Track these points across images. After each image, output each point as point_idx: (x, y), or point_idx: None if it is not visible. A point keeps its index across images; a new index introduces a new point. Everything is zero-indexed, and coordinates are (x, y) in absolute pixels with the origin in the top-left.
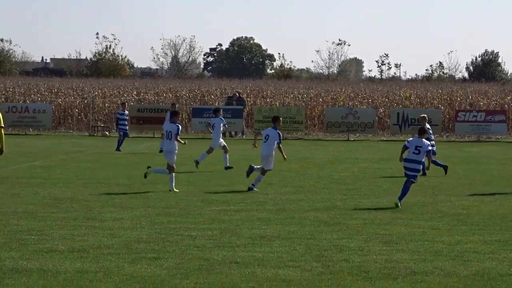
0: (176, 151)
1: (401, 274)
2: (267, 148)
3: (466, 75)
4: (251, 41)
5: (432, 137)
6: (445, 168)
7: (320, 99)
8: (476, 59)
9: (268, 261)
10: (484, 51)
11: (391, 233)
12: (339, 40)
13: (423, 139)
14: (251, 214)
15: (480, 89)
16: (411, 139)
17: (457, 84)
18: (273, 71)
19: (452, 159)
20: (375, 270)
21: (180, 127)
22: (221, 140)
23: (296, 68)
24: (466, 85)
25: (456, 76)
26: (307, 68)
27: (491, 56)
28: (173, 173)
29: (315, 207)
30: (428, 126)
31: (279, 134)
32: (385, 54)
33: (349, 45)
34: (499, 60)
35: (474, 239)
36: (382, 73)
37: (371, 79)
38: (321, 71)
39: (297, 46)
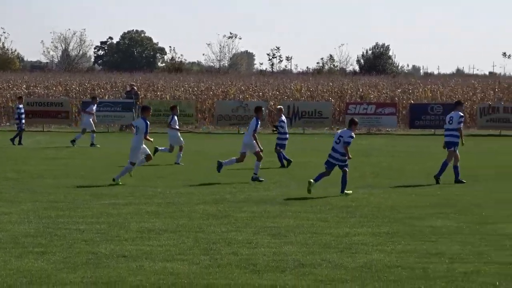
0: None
1: (289, 267)
2: (248, 137)
3: (357, 68)
4: (142, 35)
5: (286, 130)
6: (288, 162)
7: (211, 92)
8: (366, 52)
9: (156, 255)
10: (374, 44)
11: (280, 226)
12: (230, 33)
13: (350, 130)
14: (140, 208)
15: (370, 82)
16: (340, 130)
17: (347, 77)
18: (164, 64)
19: None
20: (263, 263)
21: (148, 123)
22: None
23: (187, 62)
24: (357, 78)
25: (347, 69)
26: (198, 61)
27: (381, 49)
28: (132, 167)
29: (204, 200)
30: (283, 118)
31: (257, 123)
32: (276, 47)
33: (240, 38)
34: (390, 53)
35: (363, 231)
36: (273, 66)
37: (262, 72)
38: (212, 64)
39: (188, 40)
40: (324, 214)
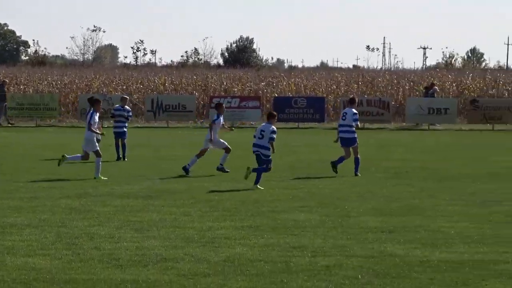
0: (97, 138)
1: (151, 261)
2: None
3: (221, 61)
4: (5, 28)
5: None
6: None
7: (74, 86)
8: (231, 45)
9: (18, 250)
10: (239, 37)
11: (143, 220)
12: (94, 26)
13: (271, 124)
14: (2, 203)
15: (234, 75)
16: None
17: (212, 70)
18: (27, 57)
19: None
20: (125, 257)
21: (93, 116)
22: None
23: (50, 55)
24: (221, 71)
25: (211, 62)
26: (62, 54)
27: (246, 43)
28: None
29: (67, 195)
30: (128, 108)
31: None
32: (140, 40)
33: (104, 32)
34: (254, 47)
35: (226, 225)
36: (138, 60)
37: (126, 66)
38: (76, 57)
39: (52, 33)
40: (187, 208)
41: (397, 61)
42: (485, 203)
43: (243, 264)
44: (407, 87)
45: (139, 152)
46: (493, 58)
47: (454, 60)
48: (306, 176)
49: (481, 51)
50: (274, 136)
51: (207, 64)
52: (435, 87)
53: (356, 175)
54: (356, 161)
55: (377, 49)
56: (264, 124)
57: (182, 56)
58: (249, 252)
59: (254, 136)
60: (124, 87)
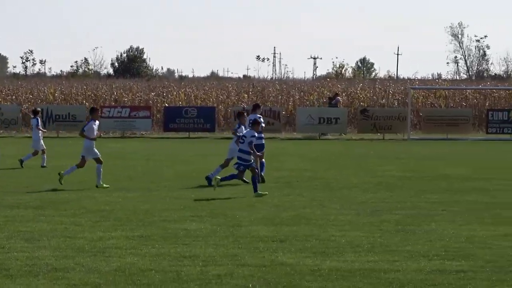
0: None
1: (42, 271)
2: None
3: (111, 71)
4: None
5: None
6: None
7: None
8: (121, 55)
9: None
10: (129, 47)
11: (33, 230)
12: None
13: (253, 130)
14: None
15: (125, 85)
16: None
17: (102, 80)
18: None
19: None
20: (16, 268)
21: (90, 124)
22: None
23: None
24: (111, 81)
25: (101, 72)
26: None
27: (136, 52)
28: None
29: None
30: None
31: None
32: (29, 50)
33: None
34: (144, 56)
35: (117, 235)
36: (27, 70)
37: (15, 76)
38: None
39: None
40: (78, 218)
41: (288, 71)
42: (375, 212)
43: (134, 273)
44: (297, 97)
45: (28, 162)
46: (383, 68)
47: (345, 70)
48: (197, 186)
49: (371, 61)
50: (253, 140)
51: (97, 74)
52: (338, 97)
53: (262, 179)
54: (261, 164)
55: (268, 59)
56: (247, 130)
57: (72, 66)
58: (140, 262)
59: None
60: (14, 97)
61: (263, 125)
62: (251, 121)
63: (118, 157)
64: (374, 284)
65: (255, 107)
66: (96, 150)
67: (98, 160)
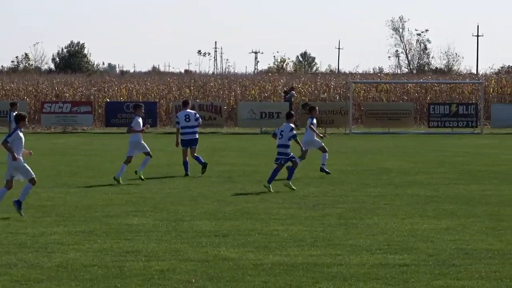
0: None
1: None
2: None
3: (52, 66)
4: None
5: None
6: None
7: None
8: (62, 50)
9: None
10: (70, 42)
11: None
12: None
13: (290, 124)
14: None
15: (66, 80)
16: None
17: (43, 76)
18: None
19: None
20: None
21: (136, 120)
22: None
23: None
24: (52, 76)
25: (42, 67)
26: None
27: (77, 47)
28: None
29: None
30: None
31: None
32: None
33: None
34: (85, 51)
35: (59, 231)
36: None
37: None
38: None
39: None
40: (18, 214)
41: (229, 66)
42: (317, 206)
43: (76, 269)
44: (239, 92)
45: None
46: (324, 62)
47: (286, 65)
48: (138, 181)
49: (312, 55)
50: (294, 133)
51: (38, 69)
52: (293, 91)
53: (187, 174)
54: (197, 158)
55: (209, 53)
56: (284, 124)
57: (12, 61)
58: (82, 257)
59: (276, 136)
60: None
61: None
62: (187, 116)
63: (60, 153)
64: (316, 278)
65: (185, 104)
66: (144, 144)
67: (148, 154)
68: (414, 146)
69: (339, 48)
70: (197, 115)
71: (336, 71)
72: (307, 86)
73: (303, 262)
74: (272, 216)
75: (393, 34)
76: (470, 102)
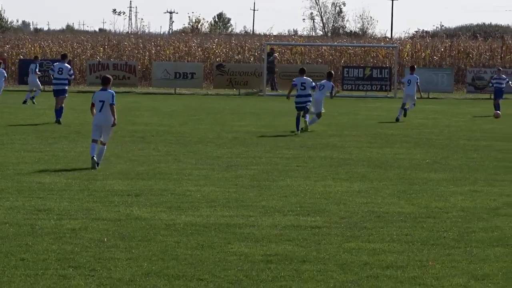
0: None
1: None
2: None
3: None
4: None
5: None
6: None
7: None
8: None
9: None
10: None
11: None
12: None
13: (305, 77)
14: None
15: None
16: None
17: None
18: None
19: None
20: None
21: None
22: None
23: None
24: None
25: None
26: None
27: None
28: None
29: None
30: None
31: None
32: None
33: None
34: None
35: None
36: None
37: None
38: None
39: None
40: None
41: (144, 25)
42: (230, 167)
43: None
44: (153, 51)
45: None
46: (239, 23)
47: (201, 25)
48: (52, 139)
49: (228, 16)
50: (313, 84)
51: None
52: (275, 54)
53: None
54: (60, 110)
55: (124, 12)
56: (299, 77)
57: None
58: None
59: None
60: None
61: None
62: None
63: None
64: (228, 239)
65: (63, 57)
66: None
67: (318, 115)
68: (328, 109)
69: (254, 10)
70: (71, 71)
71: (251, 32)
72: (221, 47)
73: (215, 223)
74: (185, 177)
75: None
76: (384, 66)
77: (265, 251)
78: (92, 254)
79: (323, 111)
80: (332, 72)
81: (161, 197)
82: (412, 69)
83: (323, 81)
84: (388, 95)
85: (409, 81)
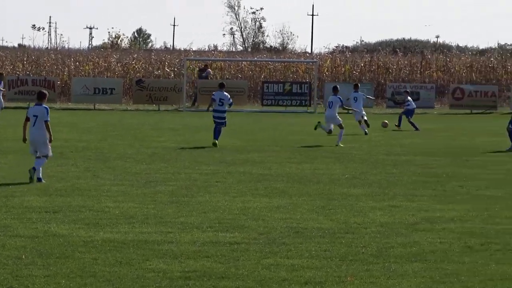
0: None
1: None
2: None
3: None
4: None
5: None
6: None
7: None
8: None
9: None
10: None
11: None
12: None
13: (225, 93)
14: None
15: None
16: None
17: None
18: None
19: None
20: None
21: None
22: None
23: None
24: None
25: None
26: None
27: None
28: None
29: None
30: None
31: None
32: None
33: None
34: None
35: None
36: None
37: None
38: None
39: None
40: None
41: (63, 41)
42: (149, 183)
43: None
44: (72, 67)
45: None
46: (160, 39)
47: (120, 41)
48: None
49: (148, 31)
50: (230, 100)
51: None
52: (209, 69)
53: None
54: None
55: (43, 28)
56: (332, 97)
57: None
58: None
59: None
60: None
61: None
62: None
63: None
64: (147, 255)
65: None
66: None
67: (340, 126)
68: (248, 125)
69: (174, 25)
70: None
71: (171, 48)
72: (141, 63)
73: (133, 239)
74: (104, 193)
75: (228, 12)
76: (304, 81)
77: (183, 268)
78: (9, 271)
79: (341, 120)
80: (337, 86)
81: (79, 213)
82: (355, 87)
83: (330, 98)
84: (308, 110)
85: (355, 98)
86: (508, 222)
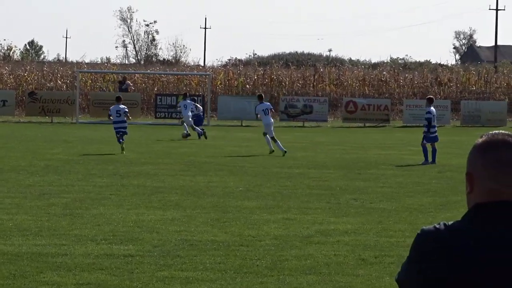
0: None
1: None
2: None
3: None
4: None
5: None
6: None
7: None
8: None
9: None
10: None
11: None
12: None
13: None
14: None
15: None
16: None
17: None
18: None
19: None
20: None
21: None
22: None
23: None
24: None
25: None
26: None
27: None
28: None
29: None
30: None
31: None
32: None
33: None
34: None
35: None
36: None
37: None
38: None
39: None
40: None
41: None
42: (43, 195)
43: None
44: None
45: None
46: (52, 51)
47: (13, 52)
48: None
49: (40, 43)
50: (126, 109)
51: None
52: (128, 81)
53: None
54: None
55: None
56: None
57: None
58: None
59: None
60: None
61: None
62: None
63: None
64: (41, 268)
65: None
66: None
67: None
68: (141, 137)
69: (66, 37)
70: None
71: (64, 60)
72: (33, 75)
73: (27, 252)
74: None
75: (121, 25)
76: (198, 93)
77: (77, 280)
78: None
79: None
80: (262, 94)
81: None
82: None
83: (264, 105)
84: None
85: (265, 111)
86: (401, 235)
